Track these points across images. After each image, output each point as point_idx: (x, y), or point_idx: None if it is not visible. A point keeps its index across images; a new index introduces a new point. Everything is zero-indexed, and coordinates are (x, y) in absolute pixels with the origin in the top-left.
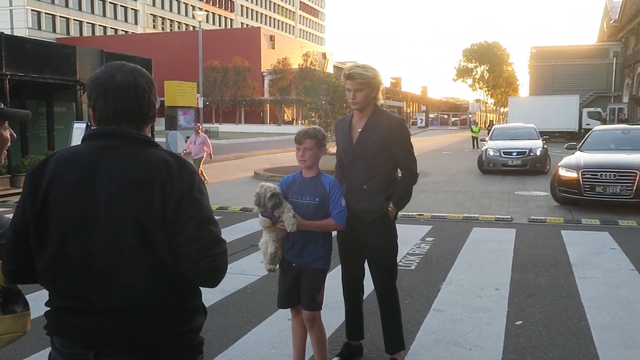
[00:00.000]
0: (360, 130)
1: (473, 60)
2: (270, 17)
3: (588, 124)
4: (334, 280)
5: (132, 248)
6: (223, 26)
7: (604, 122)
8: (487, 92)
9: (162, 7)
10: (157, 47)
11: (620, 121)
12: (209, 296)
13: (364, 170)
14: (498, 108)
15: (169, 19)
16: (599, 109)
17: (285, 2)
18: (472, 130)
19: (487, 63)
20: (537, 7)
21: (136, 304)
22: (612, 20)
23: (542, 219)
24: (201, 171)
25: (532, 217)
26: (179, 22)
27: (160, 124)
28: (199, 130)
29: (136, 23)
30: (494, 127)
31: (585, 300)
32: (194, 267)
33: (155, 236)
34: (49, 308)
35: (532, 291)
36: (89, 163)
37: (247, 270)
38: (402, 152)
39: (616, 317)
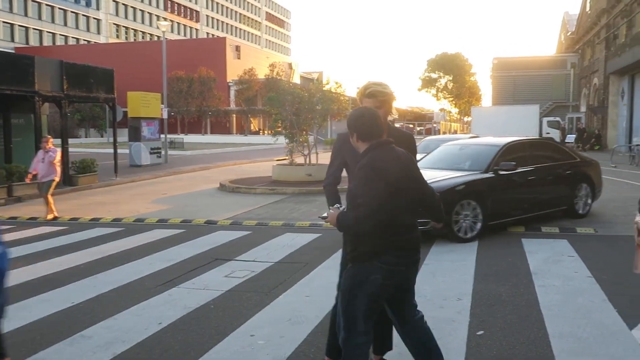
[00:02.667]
0: None
1: (437, 71)
2: (235, 27)
3: (548, 133)
4: (298, 295)
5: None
6: (188, 36)
7: (563, 131)
8: (451, 102)
9: (126, 17)
10: (121, 57)
11: (579, 130)
12: (171, 313)
13: None
14: (462, 117)
15: (132, 29)
16: (558, 119)
17: (251, 12)
18: None
19: (450, 73)
20: (498, 19)
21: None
22: (570, 33)
23: (503, 228)
24: (49, 202)
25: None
26: (143, 32)
27: (123, 135)
28: (48, 144)
29: (99, 33)
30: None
31: (545, 308)
32: (434, 206)
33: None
34: (376, 237)
35: (493, 301)
36: (396, 155)
37: (210, 285)
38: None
39: (574, 326)
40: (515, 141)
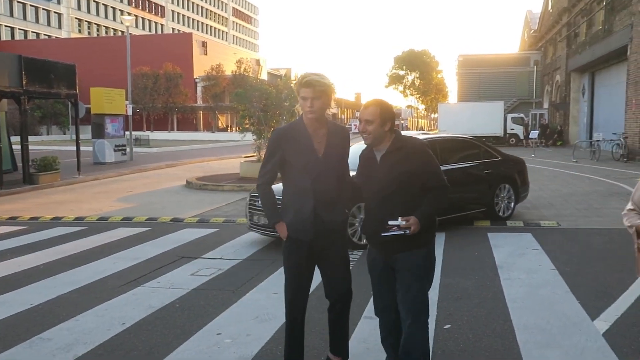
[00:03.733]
0: (321, 141)
1: (404, 68)
2: (202, 23)
3: (512, 129)
4: (265, 292)
5: None
6: (153, 31)
7: (526, 127)
8: (418, 99)
9: (88, 11)
10: (83, 52)
11: (542, 126)
12: (135, 313)
13: (334, 181)
14: (429, 114)
15: (95, 24)
16: (521, 115)
17: (218, 8)
18: None
19: (417, 70)
20: (464, 17)
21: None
22: (532, 31)
23: (470, 222)
24: None
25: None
26: (107, 27)
27: (86, 132)
28: None
29: (60, 27)
30: None
31: (510, 301)
32: None
33: None
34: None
35: (460, 294)
36: None
37: (176, 284)
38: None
39: (538, 317)
40: (425, 139)
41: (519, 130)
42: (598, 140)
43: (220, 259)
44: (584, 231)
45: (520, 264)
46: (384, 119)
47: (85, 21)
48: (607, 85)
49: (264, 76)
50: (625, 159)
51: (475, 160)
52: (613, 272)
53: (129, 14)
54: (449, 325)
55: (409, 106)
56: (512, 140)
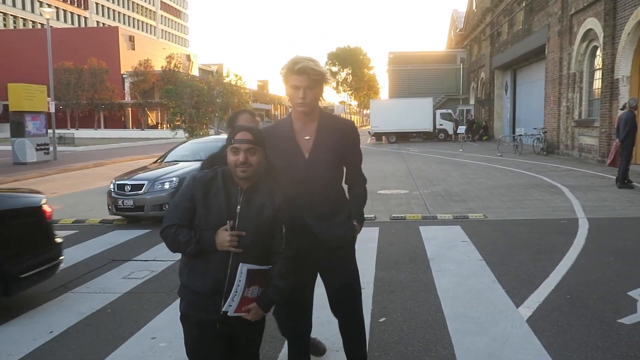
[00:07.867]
0: (310, 138)
1: (337, 64)
2: (129, 17)
3: (441, 124)
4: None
5: None
6: (76, 24)
7: (455, 122)
8: (350, 95)
9: (4, 2)
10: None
11: (468, 121)
12: (63, 320)
13: (326, 187)
14: (361, 110)
15: (12, 15)
16: (449, 111)
17: (145, 1)
18: None
19: (349, 67)
20: (394, 15)
21: None
22: (458, 29)
23: (402, 216)
24: None
25: (394, 215)
26: (24, 19)
27: (5, 131)
28: None
29: None
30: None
31: (441, 292)
32: None
33: None
34: None
35: (394, 287)
36: None
37: (107, 288)
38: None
39: (467, 306)
40: None
41: (447, 125)
42: (520, 135)
43: (154, 260)
44: (508, 222)
45: (450, 256)
46: None
47: (1, 12)
48: (527, 82)
49: (195, 72)
50: (545, 153)
51: None
52: (535, 261)
53: (49, 5)
54: (383, 319)
55: (341, 102)
56: (441, 136)
